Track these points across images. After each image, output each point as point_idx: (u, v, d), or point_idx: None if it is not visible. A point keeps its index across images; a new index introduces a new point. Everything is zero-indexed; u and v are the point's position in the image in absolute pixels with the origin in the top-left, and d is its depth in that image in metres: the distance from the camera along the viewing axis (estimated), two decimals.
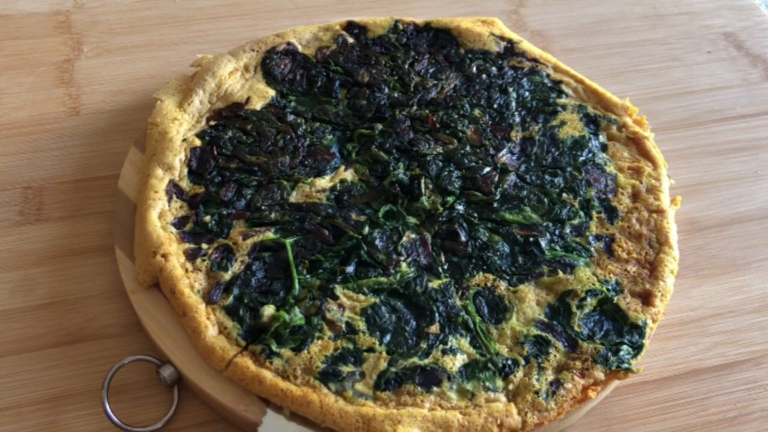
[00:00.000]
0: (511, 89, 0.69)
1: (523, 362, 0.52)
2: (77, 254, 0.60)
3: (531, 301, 0.55)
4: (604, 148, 0.66)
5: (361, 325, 0.52)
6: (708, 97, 0.77)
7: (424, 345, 0.51)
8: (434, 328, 0.52)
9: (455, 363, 0.51)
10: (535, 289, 0.56)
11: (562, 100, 0.69)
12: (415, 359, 0.50)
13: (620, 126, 0.67)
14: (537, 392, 0.50)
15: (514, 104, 0.68)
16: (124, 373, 0.53)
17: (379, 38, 0.73)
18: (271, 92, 0.68)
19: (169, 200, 0.59)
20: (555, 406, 0.50)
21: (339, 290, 0.53)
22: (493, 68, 0.71)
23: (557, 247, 0.59)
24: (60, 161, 0.67)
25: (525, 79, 0.70)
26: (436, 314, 0.53)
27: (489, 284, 0.56)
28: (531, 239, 0.59)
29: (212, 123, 0.65)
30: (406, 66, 0.71)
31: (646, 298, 0.56)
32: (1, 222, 0.62)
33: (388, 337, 0.51)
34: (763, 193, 0.69)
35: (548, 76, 0.71)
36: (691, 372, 0.57)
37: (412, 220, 0.59)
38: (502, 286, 0.56)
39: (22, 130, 0.69)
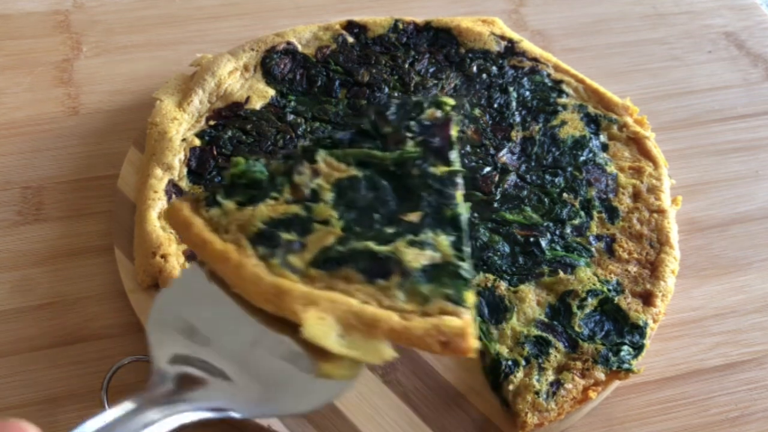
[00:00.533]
0: (511, 89, 0.69)
1: (523, 362, 0.52)
2: (76, 254, 0.60)
3: (531, 301, 0.55)
4: (604, 147, 0.66)
5: (329, 195, 0.42)
6: (708, 96, 0.77)
7: (389, 230, 0.41)
8: (413, 216, 0.41)
9: (419, 259, 0.39)
10: (535, 289, 0.56)
11: (563, 100, 0.69)
12: (371, 243, 0.40)
13: (621, 126, 0.67)
14: (537, 393, 0.50)
15: (514, 104, 0.68)
16: (123, 374, 0.53)
17: (379, 38, 0.73)
18: (271, 92, 0.67)
19: (169, 200, 0.58)
20: (555, 407, 0.50)
21: (321, 155, 0.44)
22: (494, 68, 0.71)
23: (558, 247, 0.58)
24: (59, 161, 0.66)
25: (525, 78, 0.70)
26: (424, 202, 0.42)
27: (489, 284, 0.56)
28: (531, 239, 0.58)
29: (212, 123, 0.65)
30: (406, 65, 0.71)
31: (647, 299, 0.56)
32: (0, 222, 0.62)
33: (352, 215, 0.41)
34: (764, 193, 0.69)
35: (549, 75, 0.71)
36: (692, 372, 0.56)
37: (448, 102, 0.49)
38: (503, 286, 0.56)
39: (20, 130, 0.69)
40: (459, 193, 0.43)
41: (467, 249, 0.40)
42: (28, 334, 0.55)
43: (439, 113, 0.46)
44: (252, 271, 0.38)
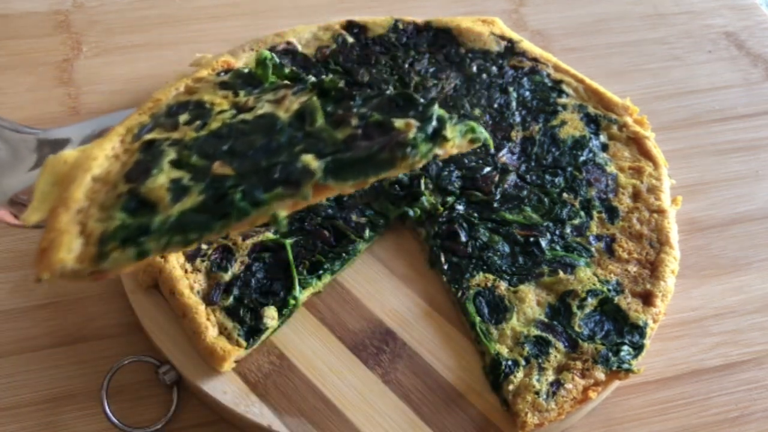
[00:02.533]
0: (511, 89, 0.69)
1: (523, 362, 0.52)
2: None
3: (531, 301, 0.55)
4: (604, 147, 0.66)
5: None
6: (709, 96, 0.77)
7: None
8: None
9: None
10: (535, 289, 0.56)
11: (563, 100, 0.69)
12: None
13: (621, 126, 0.67)
14: (537, 393, 0.50)
15: (514, 104, 0.68)
16: (123, 374, 0.53)
17: (379, 38, 0.73)
18: None
19: None
20: (555, 407, 0.50)
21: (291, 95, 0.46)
22: (494, 68, 0.71)
23: (558, 247, 0.58)
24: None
25: (525, 78, 0.70)
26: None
27: (489, 284, 0.56)
28: (531, 239, 0.58)
29: None
30: (406, 65, 0.71)
31: (647, 299, 0.56)
32: (1, 222, 0.62)
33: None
34: (764, 193, 0.69)
35: (548, 75, 0.71)
36: (692, 372, 0.56)
37: None
38: (503, 286, 0.56)
39: None
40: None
41: None
42: (28, 334, 0.55)
43: (402, 133, 0.43)
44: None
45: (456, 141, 0.42)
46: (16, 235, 0.61)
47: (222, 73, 0.48)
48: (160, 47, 0.77)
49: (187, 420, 0.52)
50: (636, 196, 0.62)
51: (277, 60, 0.48)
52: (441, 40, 0.73)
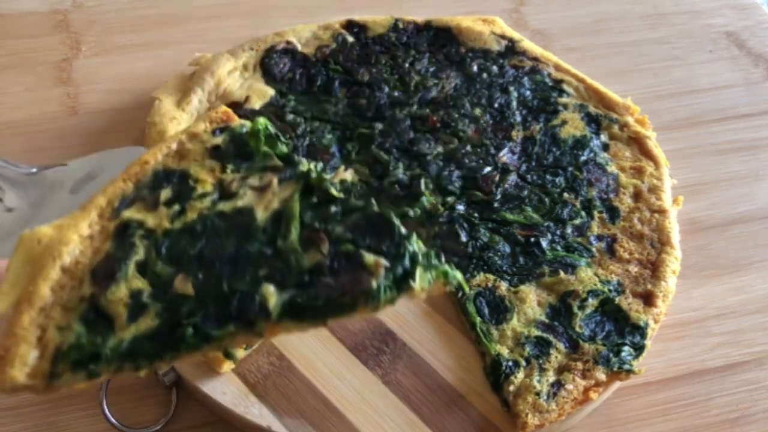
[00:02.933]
0: (512, 88, 0.69)
1: (524, 363, 0.52)
2: None
3: (532, 301, 0.55)
4: (605, 147, 0.65)
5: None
6: (709, 96, 0.77)
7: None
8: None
9: None
10: (536, 289, 0.56)
11: (563, 100, 0.69)
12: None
13: (622, 125, 0.67)
14: (538, 393, 0.50)
15: (515, 103, 0.68)
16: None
17: (379, 37, 0.73)
18: (271, 91, 0.67)
19: None
20: (556, 408, 0.50)
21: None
22: (494, 67, 0.71)
23: (558, 248, 0.58)
24: (59, 161, 0.66)
25: (526, 78, 0.70)
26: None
27: (490, 285, 0.56)
28: (532, 239, 0.58)
29: None
30: (407, 65, 0.70)
31: (648, 299, 0.55)
32: None
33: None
34: (765, 193, 0.69)
35: (549, 75, 0.70)
36: (693, 373, 0.56)
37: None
38: (503, 286, 0.56)
39: (20, 130, 0.69)
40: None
41: None
42: None
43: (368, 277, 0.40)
44: None
45: (424, 289, 0.40)
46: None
47: (218, 131, 0.45)
48: (159, 47, 0.77)
49: (186, 421, 0.52)
50: (637, 196, 0.62)
51: (273, 131, 0.45)
52: (441, 40, 0.73)
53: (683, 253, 0.59)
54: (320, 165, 0.45)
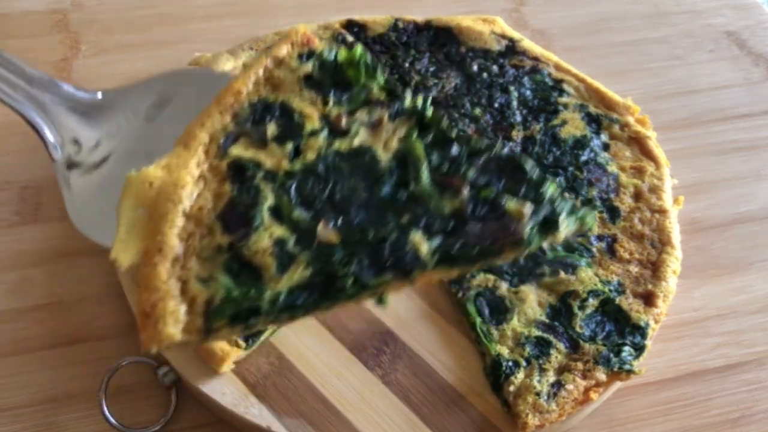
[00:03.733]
0: (512, 88, 0.69)
1: (524, 363, 0.51)
2: (75, 255, 0.59)
3: (532, 301, 0.55)
4: (605, 147, 0.65)
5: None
6: (710, 96, 0.77)
7: None
8: None
9: None
10: (536, 289, 0.56)
11: (564, 99, 0.68)
12: None
13: (622, 125, 0.66)
14: (538, 394, 0.50)
15: (515, 103, 0.68)
16: (122, 375, 0.52)
17: (379, 37, 0.72)
18: None
19: None
20: (556, 408, 0.49)
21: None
22: (494, 67, 0.71)
23: (558, 248, 0.58)
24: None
25: (526, 78, 0.70)
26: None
27: (490, 285, 0.56)
28: None
29: None
30: (407, 65, 0.70)
31: (648, 299, 0.55)
32: None
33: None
34: (766, 193, 0.68)
35: (549, 75, 0.70)
36: (693, 373, 0.56)
37: None
38: (503, 286, 0.56)
39: (19, 129, 0.69)
40: None
41: None
42: (25, 335, 0.55)
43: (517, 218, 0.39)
44: None
45: (565, 234, 0.39)
46: (14, 236, 0.61)
47: (304, 57, 0.42)
48: (158, 46, 0.77)
49: (186, 421, 0.52)
50: (637, 196, 0.62)
51: (369, 60, 0.42)
52: (441, 39, 0.73)
53: (684, 253, 0.59)
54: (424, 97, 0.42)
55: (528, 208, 0.38)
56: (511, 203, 0.38)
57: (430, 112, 0.41)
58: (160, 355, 0.52)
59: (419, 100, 0.41)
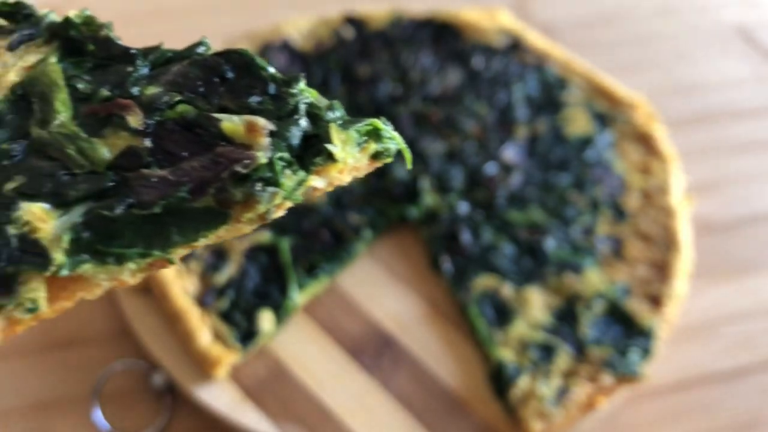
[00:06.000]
0: (516, 84, 0.67)
1: (528, 368, 0.50)
2: None
3: (537, 304, 0.54)
4: (612, 145, 0.64)
5: None
6: (719, 92, 0.75)
7: None
8: None
9: None
10: (541, 291, 0.54)
11: (569, 96, 0.67)
12: None
13: (629, 122, 0.65)
14: (543, 399, 0.48)
15: (519, 100, 0.66)
16: (115, 379, 0.51)
17: (380, 32, 0.71)
18: None
19: None
20: (562, 413, 0.48)
21: None
22: (498, 63, 0.69)
23: (564, 248, 0.57)
24: None
25: (531, 74, 0.68)
26: None
27: (493, 287, 0.54)
28: (537, 240, 0.57)
29: None
30: (408, 60, 0.69)
31: (656, 301, 0.54)
32: None
33: None
34: None
35: (554, 70, 0.69)
36: (703, 377, 0.55)
37: None
38: (507, 288, 0.54)
39: None
40: None
41: None
42: (18, 338, 0.53)
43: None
44: None
45: (352, 159, 0.25)
46: None
47: None
48: (153, 41, 0.75)
49: (180, 427, 0.50)
50: (645, 195, 0.60)
51: None
52: (444, 35, 0.71)
53: (692, 253, 0.58)
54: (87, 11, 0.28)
55: (262, 121, 0.23)
56: (228, 121, 0.23)
57: (80, 20, 0.27)
58: (154, 360, 0.50)
59: (73, 13, 0.27)
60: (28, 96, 0.25)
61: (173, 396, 0.51)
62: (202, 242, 0.23)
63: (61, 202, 0.23)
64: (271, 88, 0.25)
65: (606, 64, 0.76)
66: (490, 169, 0.61)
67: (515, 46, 0.70)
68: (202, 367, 0.49)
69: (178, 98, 0.24)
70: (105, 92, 0.25)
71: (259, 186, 0.23)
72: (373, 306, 0.55)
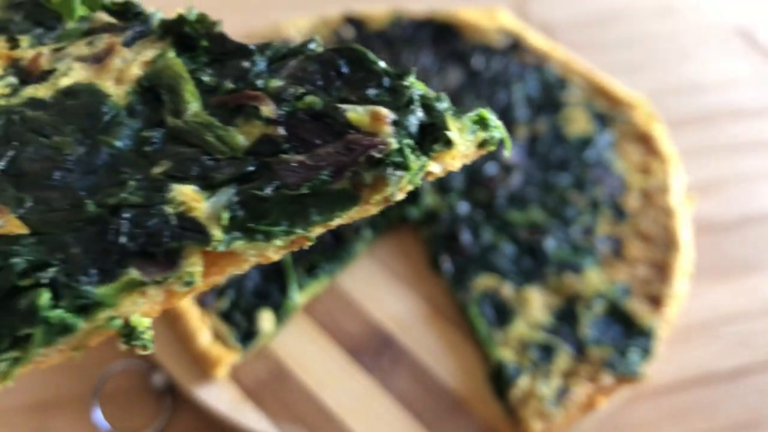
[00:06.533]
0: (516, 84, 0.67)
1: (528, 368, 0.50)
2: None
3: (537, 304, 0.54)
4: (612, 145, 0.64)
5: None
6: (719, 92, 0.75)
7: None
8: None
9: None
10: (541, 291, 0.54)
11: (569, 96, 0.67)
12: None
13: (629, 122, 0.65)
14: (543, 399, 0.48)
15: (519, 100, 0.66)
16: (115, 379, 0.51)
17: (380, 32, 0.71)
18: None
19: None
20: (562, 413, 0.48)
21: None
22: (498, 63, 0.69)
23: (564, 248, 0.57)
24: None
25: (530, 74, 0.68)
26: None
27: (493, 287, 0.54)
28: (537, 240, 0.57)
29: None
30: (408, 61, 0.69)
31: (656, 301, 0.54)
32: None
33: None
34: None
35: (554, 71, 0.69)
36: (703, 377, 0.55)
37: None
38: (507, 288, 0.54)
39: None
40: None
41: None
42: None
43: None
44: None
45: (462, 148, 0.26)
46: None
47: None
48: None
49: (180, 427, 0.50)
50: (645, 195, 0.60)
51: None
52: (443, 35, 0.71)
53: (693, 253, 0.58)
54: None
55: (387, 112, 0.25)
56: (353, 111, 0.25)
57: (192, 18, 0.28)
58: (154, 360, 0.50)
59: (184, 10, 0.28)
60: (156, 88, 0.26)
61: (173, 396, 0.51)
62: (336, 222, 0.26)
63: (207, 185, 0.24)
64: (386, 81, 0.27)
65: (606, 64, 0.76)
66: (490, 169, 0.61)
67: (515, 46, 0.70)
68: (202, 367, 0.49)
69: (302, 90, 0.26)
70: (229, 85, 0.27)
71: (390, 170, 0.25)
72: (373, 306, 0.55)
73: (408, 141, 0.25)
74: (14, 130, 0.26)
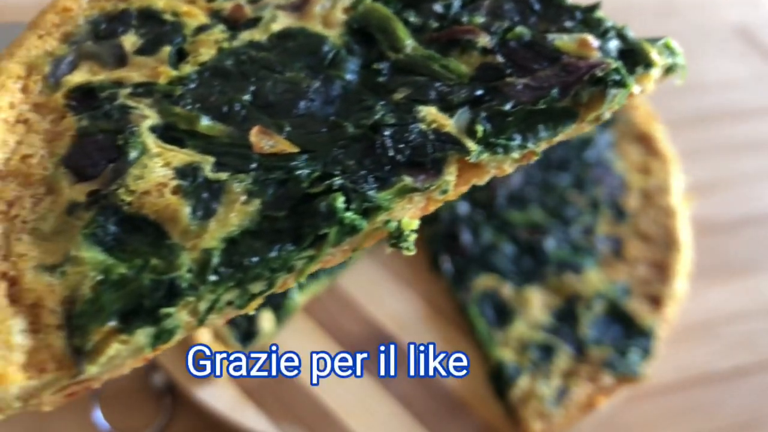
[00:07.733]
0: None
1: (528, 368, 0.50)
2: None
3: (537, 304, 0.54)
4: (612, 145, 0.64)
5: None
6: (719, 92, 0.75)
7: None
8: None
9: None
10: (541, 291, 0.54)
11: None
12: None
13: (629, 122, 0.65)
14: (543, 399, 0.49)
15: None
16: (115, 379, 0.51)
17: None
18: None
19: None
20: (562, 413, 0.48)
21: None
22: None
23: (564, 248, 0.57)
24: None
25: None
26: None
27: (493, 287, 0.54)
28: (537, 240, 0.57)
29: None
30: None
31: (656, 301, 0.54)
32: None
33: None
34: None
35: None
36: (703, 378, 0.55)
37: None
38: (507, 288, 0.54)
39: None
40: None
41: None
42: None
43: None
44: None
45: (656, 72, 0.31)
46: None
47: None
48: None
49: (180, 427, 0.50)
50: (645, 195, 0.60)
51: None
52: None
53: (692, 253, 0.58)
54: None
55: (593, 39, 0.29)
56: (563, 38, 0.29)
57: None
58: (155, 360, 0.50)
59: None
60: (366, 29, 0.29)
61: (173, 396, 0.51)
62: (559, 137, 0.29)
63: (445, 107, 0.28)
64: (578, 15, 0.31)
65: None
66: None
67: None
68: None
69: (507, 24, 0.29)
70: (434, 23, 0.29)
71: (610, 87, 0.28)
72: (374, 306, 0.55)
73: (619, 62, 0.28)
74: (247, 68, 0.29)
